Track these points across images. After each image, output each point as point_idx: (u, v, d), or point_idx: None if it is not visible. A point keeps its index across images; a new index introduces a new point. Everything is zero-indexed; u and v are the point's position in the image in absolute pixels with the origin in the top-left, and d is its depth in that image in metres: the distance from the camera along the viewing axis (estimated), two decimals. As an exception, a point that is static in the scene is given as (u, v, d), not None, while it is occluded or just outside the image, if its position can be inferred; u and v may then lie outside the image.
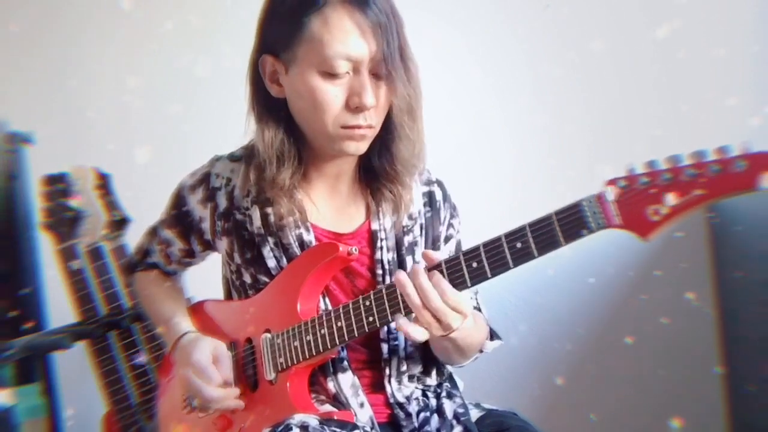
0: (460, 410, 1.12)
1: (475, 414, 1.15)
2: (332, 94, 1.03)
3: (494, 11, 1.89)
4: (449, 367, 1.21)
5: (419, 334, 0.96)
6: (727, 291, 1.84)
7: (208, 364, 1.09)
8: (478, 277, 0.94)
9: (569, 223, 0.87)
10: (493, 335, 1.16)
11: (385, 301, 1.00)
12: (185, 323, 1.20)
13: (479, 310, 1.20)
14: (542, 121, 1.89)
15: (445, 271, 0.95)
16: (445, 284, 0.94)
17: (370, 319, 1.01)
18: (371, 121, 1.05)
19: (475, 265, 0.94)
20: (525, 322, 1.91)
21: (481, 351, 1.14)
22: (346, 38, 1.00)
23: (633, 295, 1.90)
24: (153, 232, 1.30)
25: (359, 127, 1.05)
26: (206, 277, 1.33)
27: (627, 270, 1.88)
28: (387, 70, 1.02)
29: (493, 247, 0.93)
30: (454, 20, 1.89)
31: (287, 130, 1.10)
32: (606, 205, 0.84)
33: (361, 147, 1.08)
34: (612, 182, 0.85)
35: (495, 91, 1.91)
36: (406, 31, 1.05)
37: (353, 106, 1.03)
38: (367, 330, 1.02)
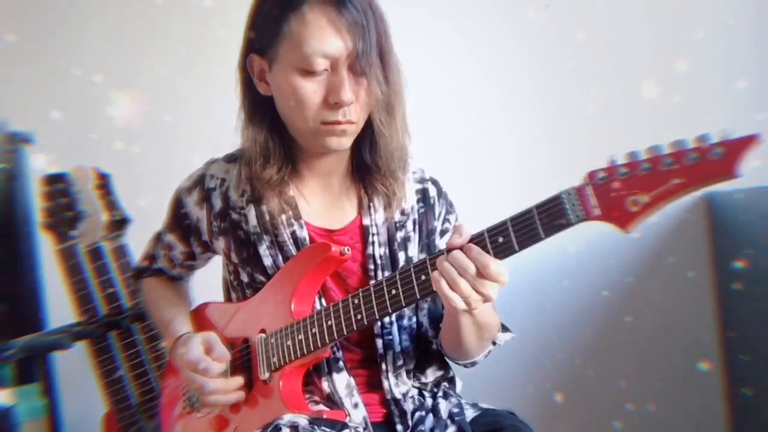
0: (455, 410, 1.12)
1: (470, 414, 1.15)
2: (311, 91, 1.04)
3: (494, 11, 1.90)
4: (454, 366, 1.20)
5: (459, 301, 0.93)
6: (726, 291, 1.84)
7: (202, 357, 1.09)
8: None
9: (549, 216, 0.86)
10: (504, 328, 1.15)
11: (373, 299, 1.01)
12: (182, 326, 1.21)
13: None
14: (542, 121, 1.90)
15: (488, 239, 0.91)
16: (487, 256, 0.91)
17: (359, 317, 1.02)
18: (351, 116, 1.06)
19: None
20: (524, 322, 1.91)
21: (494, 343, 1.13)
22: (322, 36, 1.02)
23: (632, 296, 1.90)
24: (157, 237, 1.32)
25: (339, 123, 1.06)
26: (207, 280, 1.34)
27: (626, 271, 1.88)
28: (362, 68, 1.03)
29: (476, 242, 0.92)
30: (455, 20, 1.89)
31: (273, 127, 1.12)
32: (585, 197, 0.83)
33: (344, 142, 1.09)
34: (592, 174, 0.84)
35: (495, 91, 1.91)
36: (388, 29, 1.06)
37: (332, 102, 1.04)
38: (355, 328, 1.02)
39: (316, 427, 0.97)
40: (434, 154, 1.20)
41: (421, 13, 1.82)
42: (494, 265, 0.90)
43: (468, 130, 1.90)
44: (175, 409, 1.25)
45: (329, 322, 1.04)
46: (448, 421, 1.09)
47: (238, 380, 1.11)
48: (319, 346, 1.05)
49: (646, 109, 1.84)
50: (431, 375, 1.18)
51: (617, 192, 0.81)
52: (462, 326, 1.04)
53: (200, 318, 1.26)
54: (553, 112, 1.89)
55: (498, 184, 1.90)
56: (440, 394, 1.15)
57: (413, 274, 0.97)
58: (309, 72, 1.03)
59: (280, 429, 0.96)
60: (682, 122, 1.82)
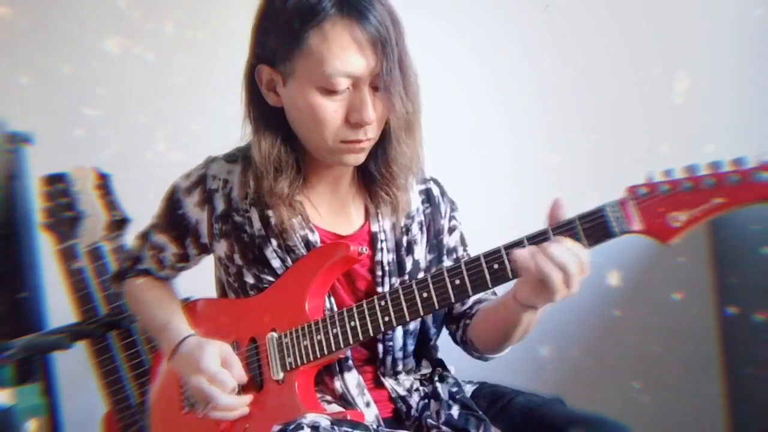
0: (454, 389, 1.13)
1: (469, 389, 1.17)
2: (332, 110, 1.01)
3: (494, 11, 1.90)
4: (443, 353, 1.22)
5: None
6: (727, 286, 1.85)
7: (219, 370, 1.08)
8: (500, 279, 0.95)
9: (592, 228, 0.89)
10: None
11: (402, 301, 1.01)
12: (183, 327, 1.18)
13: None
14: (543, 121, 1.90)
15: (579, 225, 0.90)
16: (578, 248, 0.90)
17: (386, 318, 1.02)
18: (371, 134, 1.04)
19: (496, 266, 0.95)
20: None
21: None
22: (345, 55, 0.97)
23: (634, 295, 1.91)
24: (143, 237, 1.27)
25: (359, 141, 1.04)
26: (201, 278, 1.31)
27: (627, 270, 1.89)
28: (385, 86, 1.00)
29: (514, 249, 0.93)
30: (455, 20, 1.89)
31: (285, 139, 1.09)
32: (629, 211, 0.87)
33: (361, 158, 1.08)
34: (632, 189, 0.87)
35: (495, 91, 1.91)
36: (405, 38, 1.02)
37: (353, 122, 1.01)
38: (383, 329, 1.03)
39: (336, 427, 0.97)
40: (435, 155, 1.19)
41: (421, 14, 1.82)
42: (587, 256, 0.90)
43: (468, 130, 1.90)
44: (168, 407, 1.23)
45: (353, 323, 1.04)
46: (450, 402, 1.11)
47: (248, 398, 1.11)
48: (341, 346, 1.05)
49: (647, 110, 1.85)
50: (425, 368, 1.19)
51: (660, 208, 0.85)
52: (520, 323, 1.03)
53: (199, 315, 1.23)
54: (553, 112, 1.89)
55: (499, 185, 1.90)
56: (437, 378, 1.16)
57: (447, 279, 0.98)
58: (330, 91, 1.00)
59: (302, 428, 0.95)
60: (684, 123, 1.82)
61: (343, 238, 1.14)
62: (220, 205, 1.15)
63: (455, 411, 1.09)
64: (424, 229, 1.18)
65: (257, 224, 1.13)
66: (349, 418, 1.02)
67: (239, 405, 1.09)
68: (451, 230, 1.22)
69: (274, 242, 1.12)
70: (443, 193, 1.24)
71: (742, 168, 0.80)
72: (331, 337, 1.05)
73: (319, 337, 1.06)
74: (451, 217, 1.23)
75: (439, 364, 1.21)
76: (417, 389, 1.15)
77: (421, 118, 1.08)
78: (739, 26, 1.84)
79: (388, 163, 1.11)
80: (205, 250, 1.21)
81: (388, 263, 1.13)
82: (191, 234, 1.19)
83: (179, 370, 1.15)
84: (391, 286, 1.12)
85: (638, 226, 0.86)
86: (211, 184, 1.16)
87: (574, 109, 1.88)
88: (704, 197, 0.82)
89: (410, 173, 1.13)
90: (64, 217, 1.57)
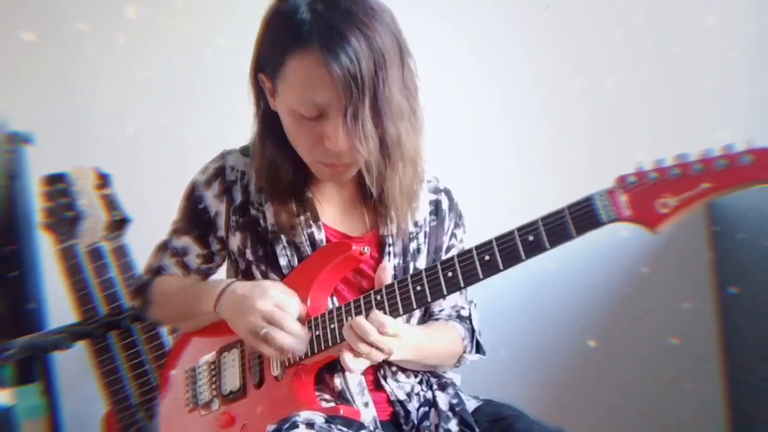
0: (454, 401, 1.13)
1: (471, 405, 1.16)
2: (306, 132, 1.02)
3: (494, 11, 1.90)
4: None
5: (360, 364, 1.00)
6: (726, 288, 1.84)
7: (285, 296, 1.06)
8: (491, 270, 0.96)
9: (581, 216, 0.89)
10: (479, 348, 1.19)
11: (397, 296, 1.01)
12: (218, 282, 1.15)
13: (470, 319, 1.22)
14: (542, 121, 1.90)
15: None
16: (383, 317, 0.99)
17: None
18: (346, 160, 1.04)
19: (487, 258, 0.95)
20: (525, 323, 1.91)
21: (458, 363, 1.17)
22: (313, 85, 0.97)
23: (633, 295, 1.90)
24: (163, 247, 1.27)
25: (334, 165, 1.05)
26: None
27: (627, 270, 1.88)
28: (351, 125, 0.97)
29: (505, 240, 0.94)
30: (454, 20, 1.89)
31: (283, 143, 1.09)
32: (617, 199, 0.87)
33: (343, 177, 1.09)
34: (622, 178, 0.88)
35: (495, 91, 1.91)
36: (391, 69, 0.97)
37: (326, 147, 1.01)
38: None
39: (332, 425, 0.97)
40: (434, 155, 1.19)
41: (422, 14, 1.82)
42: (391, 326, 0.98)
43: (468, 130, 1.90)
44: (174, 404, 1.24)
45: (349, 318, 1.04)
46: (450, 414, 1.11)
47: (306, 332, 1.06)
48: (338, 341, 1.04)
49: (647, 110, 1.84)
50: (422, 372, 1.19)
51: (648, 195, 0.85)
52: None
53: None
54: (553, 112, 1.89)
55: (498, 185, 1.90)
56: (436, 387, 1.16)
57: (440, 272, 0.99)
58: (302, 116, 1.01)
59: (297, 426, 0.95)
60: (684, 121, 1.82)
61: (352, 239, 1.14)
62: (238, 197, 1.16)
63: (453, 426, 1.08)
64: (427, 240, 1.18)
65: (271, 219, 1.14)
66: (342, 413, 1.03)
67: (302, 333, 1.05)
68: (448, 249, 1.22)
69: (284, 239, 1.13)
70: (451, 207, 1.23)
71: (729, 153, 0.81)
72: (329, 333, 1.05)
73: (317, 333, 1.06)
74: (452, 234, 1.22)
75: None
76: (417, 393, 1.14)
77: (410, 144, 1.04)
78: (741, 25, 1.84)
79: (381, 184, 1.09)
80: (224, 245, 1.20)
81: (394, 267, 1.14)
82: (212, 228, 1.19)
83: (228, 312, 1.10)
84: None
85: (626, 214, 0.87)
86: (229, 176, 1.17)
87: (573, 109, 1.88)
88: (692, 183, 0.82)
89: (408, 200, 1.12)
90: (64, 217, 1.57)
